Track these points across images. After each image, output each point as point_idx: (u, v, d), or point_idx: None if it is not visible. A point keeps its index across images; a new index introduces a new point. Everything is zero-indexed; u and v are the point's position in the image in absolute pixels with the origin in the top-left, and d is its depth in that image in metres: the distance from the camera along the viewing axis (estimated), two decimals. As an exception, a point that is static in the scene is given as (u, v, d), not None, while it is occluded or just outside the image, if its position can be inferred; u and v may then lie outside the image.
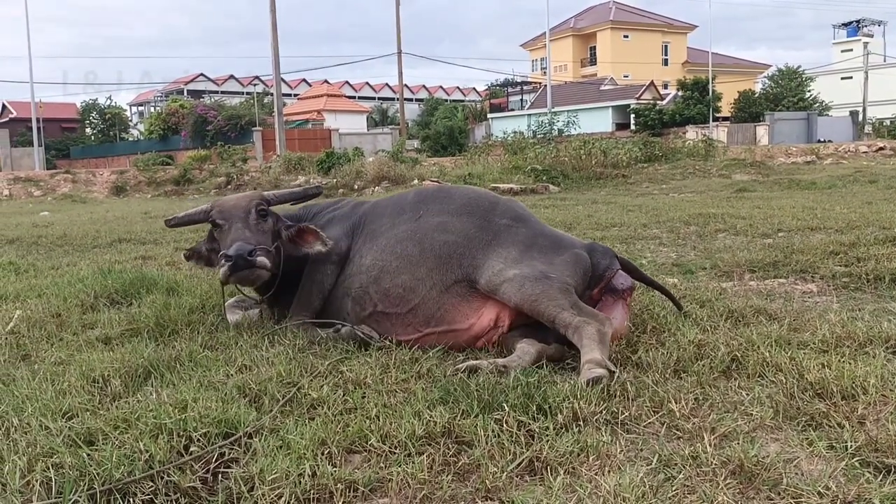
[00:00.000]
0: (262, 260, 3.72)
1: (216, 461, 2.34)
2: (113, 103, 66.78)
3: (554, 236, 3.75)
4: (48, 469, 2.22)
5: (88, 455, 2.28)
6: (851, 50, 66.90)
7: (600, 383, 2.84)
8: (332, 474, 2.21)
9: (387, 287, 3.67)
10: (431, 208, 3.86)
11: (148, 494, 2.15)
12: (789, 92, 51.12)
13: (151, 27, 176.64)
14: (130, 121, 72.34)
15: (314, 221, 4.22)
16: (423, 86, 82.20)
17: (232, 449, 2.42)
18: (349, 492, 2.18)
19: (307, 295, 3.97)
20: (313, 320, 3.90)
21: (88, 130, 65.85)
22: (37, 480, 2.18)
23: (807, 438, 2.44)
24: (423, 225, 3.77)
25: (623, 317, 3.57)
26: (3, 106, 68.99)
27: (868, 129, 47.69)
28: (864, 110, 51.56)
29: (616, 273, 3.62)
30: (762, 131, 43.80)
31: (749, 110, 48.72)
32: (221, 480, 2.27)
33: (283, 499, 2.10)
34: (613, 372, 2.95)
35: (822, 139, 41.46)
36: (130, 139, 62.85)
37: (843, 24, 72.08)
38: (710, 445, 2.34)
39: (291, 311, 3.99)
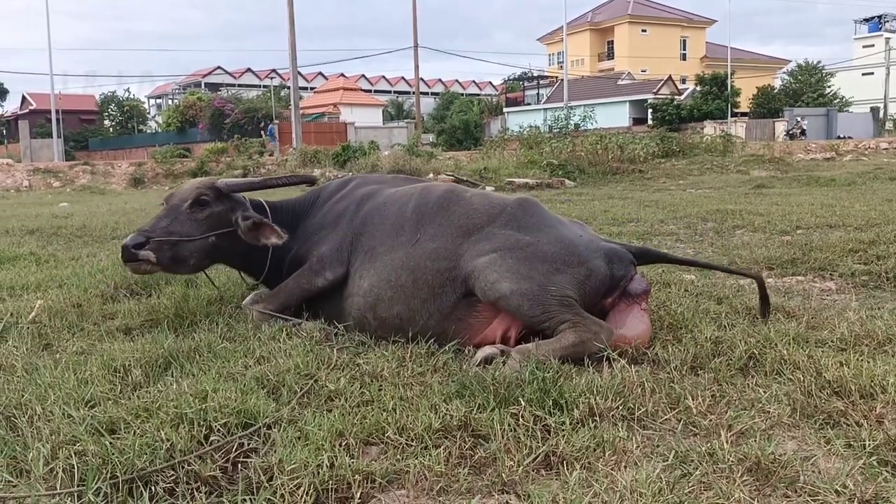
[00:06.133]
0: (147, 254, 3.76)
1: (236, 451, 2.37)
2: (131, 96, 67.33)
3: (567, 246, 3.46)
4: (71, 457, 2.25)
5: (111, 443, 2.32)
6: (873, 45, 65.97)
7: (489, 360, 3.17)
8: (349, 465, 2.23)
9: (384, 316, 3.64)
10: (428, 230, 3.68)
11: (169, 483, 2.18)
12: (809, 88, 50.66)
13: (169, 21, 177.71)
14: (148, 113, 72.85)
15: (317, 211, 4.23)
16: (439, 79, 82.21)
17: (251, 439, 2.45)
18: (367, 483, 2.20)
19: (286, 294, 3.96)
20: (278, 315, 3.90)
21: (107, 122, 66.41)
22: (60, 468, 2.22)
23: (824, 436, 2.44)
24: (418, 251, 3.63)
25: (639, 322, 3.42)
26: (23, 97, 69.66)
27: (889, 125, 47.18)
28: (886, 106, 51.03)
29: (631, 279, 3.52)
30: (781, 127, 43.40)
31: (768, 106, 48.32)
32: (241, 470, 2.30)
33: (301, 489, 2.12)
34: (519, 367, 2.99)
35: (842, 135, 41.01)
36: (148, 131, 63.26)
37: (864, 20, 71.15)
38: (726, 442, 2.34)
39: (265, 297, 4.06)
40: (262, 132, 42.84)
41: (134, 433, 2.40)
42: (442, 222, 3.69)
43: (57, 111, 42.77)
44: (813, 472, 2.20)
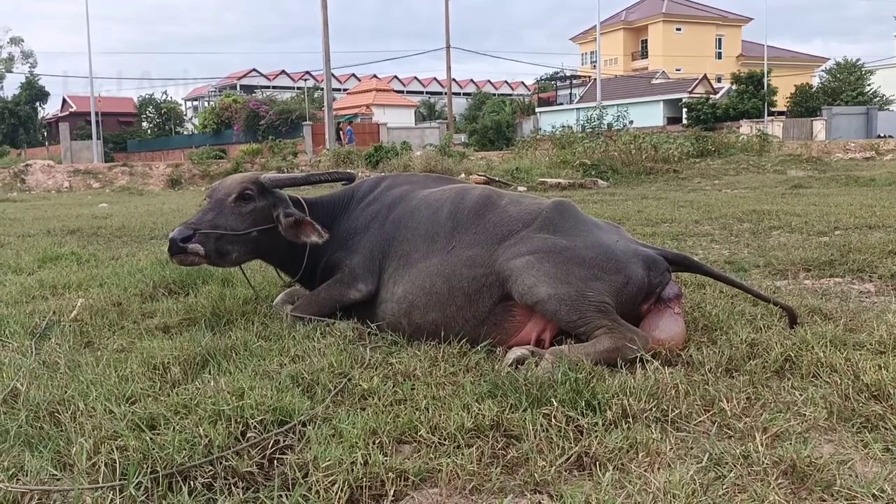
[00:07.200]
0: (195, 247, 3.75)
1: (272, 448, 2.41)
2: (168, 98, 68.46)
3: (605, 252, 3.44)
4: (113, 451, 2.31)
5: (151, 439, 2.37)
6: (915, 42, 64.50)
7: (521, 361, 3.16)
8: (383, 463, 2.26)
9: (419, 322, 3.65)
10: (463, 238, 3.69)
11: (207, 478, 2.23)
12: (848, 86, 49.58)
13: (205, 24, 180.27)
14: (185, 115, 74.00)
15: (350, 212, 4.24)
16: (471, 80, 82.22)
17: (287, 436, 2.49)
18: (400, 481, 2.23)
19: (318, 302, 3.99)
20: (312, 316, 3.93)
21: (145, 124, 67.62)
22: (102, 462, 2.28)
23: (862, 440, 2.41)
24: (453, 258, 3.64)
25: (672, 324, 3.43)
26: (64, 100, 71.17)
27: (932, 123, 45.96)
28: (928, 104, 49.72)
29: (666, 285, 3.51)
30: (819, 126, 42.64)
31: (805, 105, 47.51)
32: (277, 466, 2.34)
33: (336, 486, 2.15)
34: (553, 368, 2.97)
35: (882, 134, 40.17)
36: (185, 133, 64.27)
37: (906, 16, 69.55)
38: (761, 445, 2.32)
39: (298, 303, 4.10)
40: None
41: (173, 429, 2.45)
42: (477, 230, 3.69)
43: (96, 113, 43.64)
44: (850, 476, 2.17)
